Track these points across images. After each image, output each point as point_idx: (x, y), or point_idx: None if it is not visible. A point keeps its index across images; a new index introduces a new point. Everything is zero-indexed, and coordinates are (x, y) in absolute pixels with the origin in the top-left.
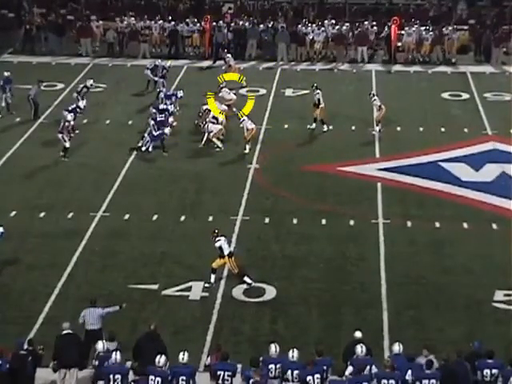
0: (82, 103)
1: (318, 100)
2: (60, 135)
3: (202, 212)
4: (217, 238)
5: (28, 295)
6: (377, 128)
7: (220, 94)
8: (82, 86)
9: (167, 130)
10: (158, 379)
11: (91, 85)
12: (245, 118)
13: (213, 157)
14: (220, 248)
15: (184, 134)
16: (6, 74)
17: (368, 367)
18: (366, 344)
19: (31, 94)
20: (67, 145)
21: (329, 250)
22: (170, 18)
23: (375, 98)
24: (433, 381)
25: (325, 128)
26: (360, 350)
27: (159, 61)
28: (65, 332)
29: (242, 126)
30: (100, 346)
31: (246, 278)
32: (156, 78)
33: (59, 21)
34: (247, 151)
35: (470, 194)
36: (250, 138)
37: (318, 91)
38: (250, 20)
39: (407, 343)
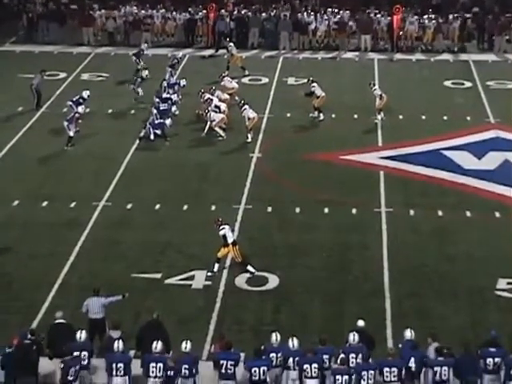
0: (85, 93)
1: (313, 92)
2: (66, 123)
3: (205, 201)
4: (221, 227)
5: (30, 285)
6: (379, 116)
7: (222, 83)
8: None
9: (168, 122)
10: (160, 365)
11: (146, 75)
12: (246, 106)
13: (215, 146)
14: (224, 236)
15: (186, 123)
16: None
17: (360, 355)
18: (369, 333)
19: (34, 83)
20: (71, 134)
21: (331, 238)
22: (173, 7)
23: (375, 87)
24: (445, 368)
25: (321, 117)
26: (352, 337)
27: (145, 45)
28: (57, 321)
29: (243, 115)
30: (78, 335)
31: (250, 267)
32: (139, 66)
33: (61, 9)
34: (249, 140)
35: (473, 183)
36: (251, 127)
37: (314, 84)
38: (252, 9)
39: None
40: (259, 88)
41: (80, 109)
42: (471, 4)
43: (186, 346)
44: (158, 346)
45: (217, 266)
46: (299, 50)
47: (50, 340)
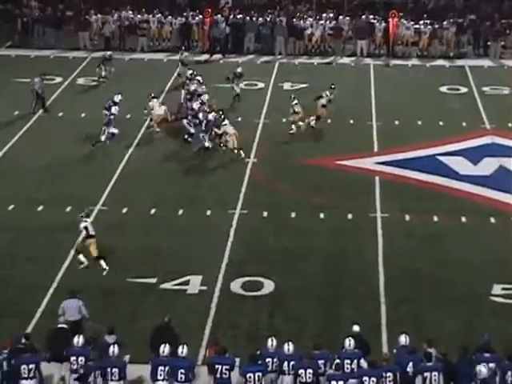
0: (117, 97)
1: (321, 96)
2: (103, 128)
3: (200, 206)
4: (84, 219)
5: (26, 289)
6: (292, 129)
7: (193, 87)
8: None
9: (201, 116)
10: (168, 368)
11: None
12: (226, 122)
13: (211, 151)
14: (86, 228)
15: (182, 128)
16: None
17: (356, 361)
18: (364, 338)
19: (35, 87)
20: (103, 138)
21: (327, 243)
22: (168, 12)
23: (296, 101)
24: (435, 373)
25: (312, 122)
26: (348, 343)
27: (109, 53)
28: (59, 326)
29: (222, 131)
30: (75, 340)
31: (103, 263)
32: (103, 73)
33: (57, 14)
34: (243, 155)
35: (468, 188)
36: (236, 146)
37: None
38: (248, 14)
39: None
40: (255, 93)
41: (113, 109)
42: (467, 10)
43: (182, 350)
44: (165, 349)
45: (82, 257)
46: (295, 54)
47: (47, 344)
